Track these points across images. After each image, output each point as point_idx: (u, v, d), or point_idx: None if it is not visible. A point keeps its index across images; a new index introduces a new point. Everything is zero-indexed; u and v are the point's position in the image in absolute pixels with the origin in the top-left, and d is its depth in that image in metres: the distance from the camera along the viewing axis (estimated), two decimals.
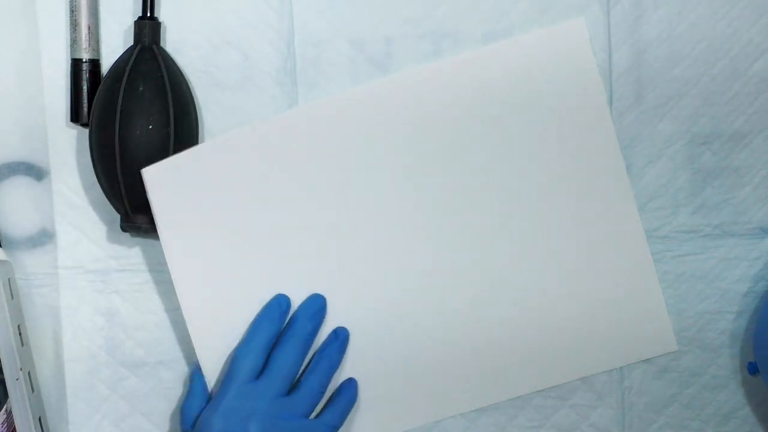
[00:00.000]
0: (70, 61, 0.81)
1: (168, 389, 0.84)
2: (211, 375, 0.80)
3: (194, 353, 0.83)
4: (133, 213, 0.78)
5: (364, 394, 0.82)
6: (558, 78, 0.81)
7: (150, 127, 0.77)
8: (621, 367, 0.84)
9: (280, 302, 0.79)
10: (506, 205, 0.81)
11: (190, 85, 0.80)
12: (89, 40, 0.80)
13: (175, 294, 0.82)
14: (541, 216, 0.81)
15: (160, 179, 0.78)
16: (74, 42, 0.80)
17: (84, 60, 0.80)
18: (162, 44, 0.80)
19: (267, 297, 0.80)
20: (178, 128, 0.78)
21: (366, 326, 0.81)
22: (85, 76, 0.80)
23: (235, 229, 0.79)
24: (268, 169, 0.79)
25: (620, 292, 0.82)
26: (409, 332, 0.82)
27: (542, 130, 0.81)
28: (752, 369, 0.82)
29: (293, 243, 0.80)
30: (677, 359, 0.84)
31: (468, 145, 0.81)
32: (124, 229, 0.79)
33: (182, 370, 0.83)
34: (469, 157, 0.81)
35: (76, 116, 0.80)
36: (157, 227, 0.78)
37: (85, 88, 0.80)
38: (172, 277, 0.79)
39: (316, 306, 0.79)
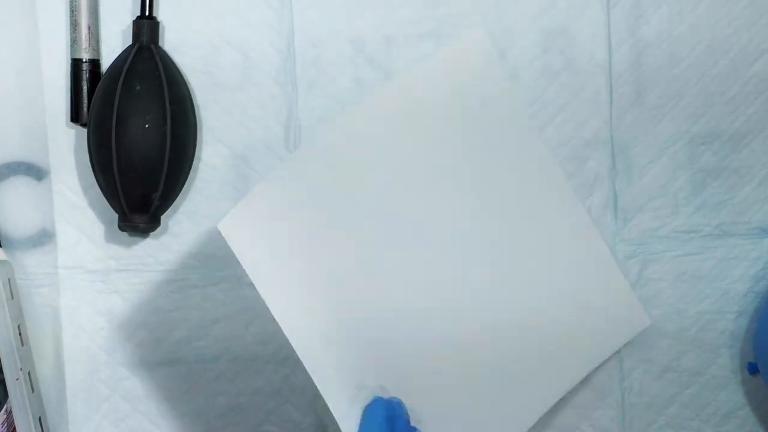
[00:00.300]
0: (70, 61, 0.81)
1: (168, 389, 0.84)
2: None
3: (199, 354, 0.83)
4: (130, 212, 0.79)
5: None
6: (473, 91, 0.79)
7: (146, 126, 0.77)
8: (621, 367, 0.84)
9: (389, 404, 0.78)
10: (455, 223, 0.80)
11: (188, 85, 0.80)
12: (89, 40, 0.80)
13: (174, 294, 0.83)
14: (486, 230, 0.80)
15: (237, 229, 0.74)
16: (74, 42, 0.80)
17: (84, 60, 0.80)
18: (161, 44, 0.80)
19: (358, 307, 0.79)
20: (175, 127, 0.78)
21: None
22: (85, 76, 0.80)
23: (318, 250, 0.78)
24: (332, 186, 0.78)
25: (583, 285, 0.82)
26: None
27: (474, 144, 0.79)
28: (752, 369, 0.82)
29: (369, 255, 0.79)
30: (677, 359, 0.84)
31: (413, 168, 0.79)
32: (121, 228, 0.79)
33: (182, 370, 0.83)
34: (413, 179, 0.79)
35: (76, 116, 0.80)
36: (249, 274, 0.74)
37: (85, 88, 0.80)
38: (274, 314, 0.75)
39: (405, 410, 0.79)
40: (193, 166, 0.81)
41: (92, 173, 0.80)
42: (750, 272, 0.84)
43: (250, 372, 0.84)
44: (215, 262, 0.83)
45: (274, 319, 0.82)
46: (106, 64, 0.81)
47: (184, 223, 0.82)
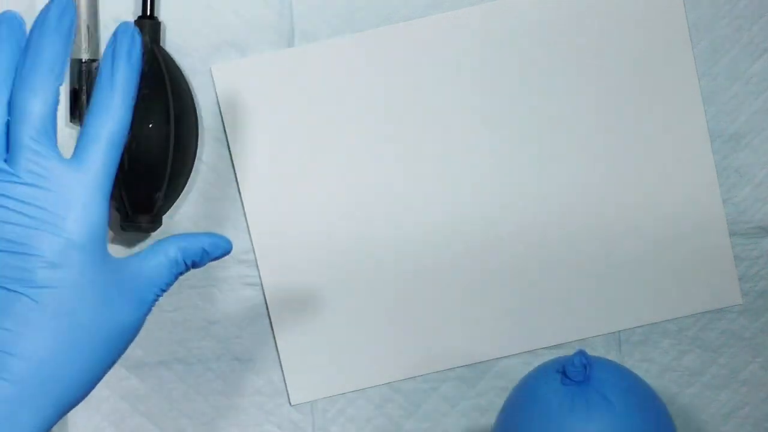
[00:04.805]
0: (69, 61, 0.80)
1: (168, 389, 0.84)
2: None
3: (199, 354, 0.83)
4: (133, 212, 0.79)
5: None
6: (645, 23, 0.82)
7: (150, 126, 0.77)
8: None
9: None
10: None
11: (190, 85, 0.80)
12: (89, 41, 0.80)
13: (174, 294, 0.82)
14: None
15: (230, 79, 0.81)
16: (74, 42, 0.80)
17: (84, 60, 0.80)
18: (162, 44, 0.80)
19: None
20: (179, 128, 0.78)
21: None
22: (84, 76, 0.80)
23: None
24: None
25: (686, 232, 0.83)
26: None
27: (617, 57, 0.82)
28: None
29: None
30: (678, 359, 0.84)
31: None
32: (124, 228, 0.79)
33: (182, 370, 0.83)
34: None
35: (76, 116, 0.80)
36: (226, 128, 0.81)
37: (84, 88, 0.80)
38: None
39: None
40: (193, 167, 0.81)
41: None
42: (750, 272, 0.84)
43: (250, 372, 0.83)
44: (215, 262, 0.83)
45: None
46: None
47: (185, 223, 0.82)
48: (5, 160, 0.57)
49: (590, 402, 0.68)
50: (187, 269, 0.62)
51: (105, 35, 0.81)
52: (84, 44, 0.80)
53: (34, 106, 0.57)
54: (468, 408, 0.84)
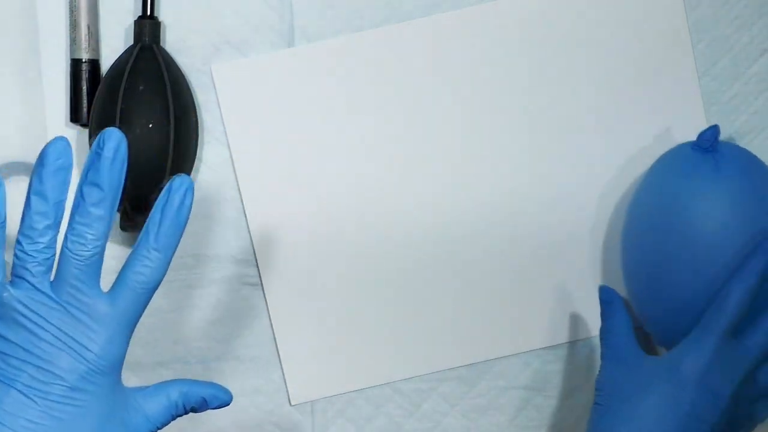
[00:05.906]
0: (69, 61, 0.81)
1: None
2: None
3: (199, 354, 0.83)
4: (133, 212, 0.79)
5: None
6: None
7: (150, 126, 0.77)
8: None
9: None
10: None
11: (190, 85, 0.81)
12: (89, 40, 0.80)
13: (174, 294, 0.82)
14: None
15: (230, 80, 0.81)
16: (74, 42, 0.80)
17: (84, 60, 0.80)
18: (162, 44, 0.80)
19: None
20: (178, 128, 0.78)
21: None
22: (84, 76, 0.80)
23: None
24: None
25: None
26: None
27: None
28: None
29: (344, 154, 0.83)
30: None
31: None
32: (123, 228, 0.79)
33: (181, 370, 0.83)
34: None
35: (75, 116, 0.80)
36: (226, 130, 0.81)
37: (84, 88, 0.80)
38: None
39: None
40: (193, 167, 0.81)
41: None
42: None
43: (250, 372, 0.83)
44: (214, 262, 0.83)
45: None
46: (106, 64, 0.81)
47: None
48: (51, 282, 0.63)
49: (711, 168, 0.74)
50: (185, 413, 0.66)
51: (106, 35, 0.81)
52: (84, 44, 0.80)
53: (85, 245, 0.63)
54: (468, 408, 0.84)
